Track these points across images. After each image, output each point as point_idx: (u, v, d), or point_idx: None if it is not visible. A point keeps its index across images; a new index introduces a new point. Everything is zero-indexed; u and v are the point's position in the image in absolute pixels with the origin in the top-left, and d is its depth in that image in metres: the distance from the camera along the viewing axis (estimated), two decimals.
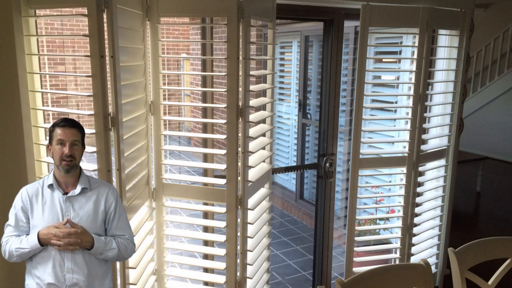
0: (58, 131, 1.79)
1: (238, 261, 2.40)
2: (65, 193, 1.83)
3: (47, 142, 1.87)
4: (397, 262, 3.05)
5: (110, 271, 1.96)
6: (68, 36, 8.93)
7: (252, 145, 2.46)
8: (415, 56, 2.82)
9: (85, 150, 1.90)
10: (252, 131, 2.43)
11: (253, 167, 2.38)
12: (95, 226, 1.85)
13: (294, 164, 5.60)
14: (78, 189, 1.83)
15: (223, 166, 2.36)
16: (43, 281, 1.80)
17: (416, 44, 2.82)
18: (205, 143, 2.80)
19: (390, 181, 3.90)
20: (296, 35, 5.35)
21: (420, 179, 3.08)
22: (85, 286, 1.83)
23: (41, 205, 1.81)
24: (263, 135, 2.62)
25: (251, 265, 2.46)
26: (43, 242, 1.76)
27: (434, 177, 3.24)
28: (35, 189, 1.84)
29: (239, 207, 2.35)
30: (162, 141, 2.45)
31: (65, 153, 1.77)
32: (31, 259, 1.83)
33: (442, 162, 3.23)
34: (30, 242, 1.76)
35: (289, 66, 5.78)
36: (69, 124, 1.80)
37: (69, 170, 1.80)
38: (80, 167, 1.88)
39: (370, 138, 3.78)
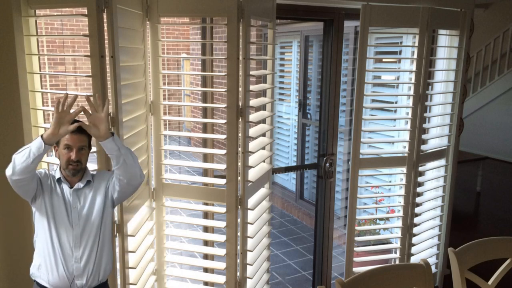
0: (66, 135, 1.79)
1: (238, 261, 2.40)
2: (71, 187, 1.87)
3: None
4: (397, 262, 3.05)
5: (111, 254, 1.99)
6: (68, 36, 8.93)
7: (252, 145, 2.46)
8: (415, 56, 2.82)
9: (90, 151, 1.92)
10: (252, 131, 2.43)
11: (253, 167, 2.38)
12: (101, 212, 1.89)
13: (294, 164, 5.60)
14: (83, 182, 1.88)
15: (223, 166, 2.36)
16: (53, 275, 1.82)
17: (416, 44, 2.82)
18: (205, 143, 2.80)
19: (390, 181, 3.90)
20: (296, 35, 5.35)
21: (420, 179, 3.08)
22: (93, 273, 1.86)
23: (51, 194, 1.84)
24: (263, 135, 2.62)
25: (251, 265, 2.46)
26: (47, 136, 1.70)
27: (434, 177, 3.24)
28: (50, 175, 1.88)
29: (239, 207, 2.35)
30: (162, 141, 2.45)
31: (71, 159, 1.80)
32: (41, 251, 1.84)
33: (442, 162, 3.23)
34: (32, 143, 1.71)
35: (289, 66, 5.78)
36: (77, 129, 1.79)
37: (75, 174, 1.85)
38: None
39: (370, 138, 3.77)
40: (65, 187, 1.86)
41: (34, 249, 1.90)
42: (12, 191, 1.87)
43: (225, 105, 2.24)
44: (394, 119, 3.44)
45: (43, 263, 1.84)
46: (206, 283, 2.76)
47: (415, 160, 2.95)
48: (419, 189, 3.08)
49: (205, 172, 2.71)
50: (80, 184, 1.87)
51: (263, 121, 2.62)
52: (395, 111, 3.64)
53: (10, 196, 1.86)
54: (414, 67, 2.84)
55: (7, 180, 1.73)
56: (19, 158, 1.70)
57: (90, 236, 1.86)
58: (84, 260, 1.84)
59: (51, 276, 1.83)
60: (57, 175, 1.87)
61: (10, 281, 2.28)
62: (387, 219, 3.49)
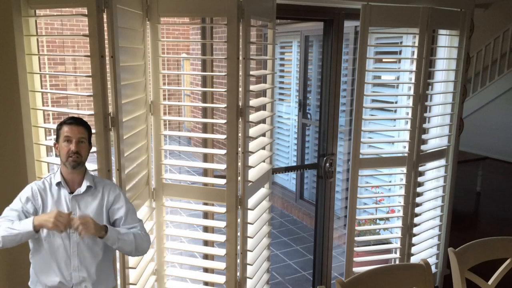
0: (65, 128, 1.81)
1: (238, 261, 2.40)
2: (71, 192, 1.84)
3: (53, 141, 1.88)
4: (397, 262, 3.05)
5: (113, 268, 1.97)
6: (68, 36, 8.93)
7: (252, 145, 2.46)
8: (415, 56, 2.82)
9: (91, 150, 1.91)
10: (252, 131, 2.43)
11: (253, 167, 2.38)
12: (101, 223, 1.85)
13: (294, 164, 5.60)
14: (83, 187, 1.85)
15: (223, 166, 2.36)
16: (50, 283, 1.81)
17: (416, 44, 2.82)
18: (205, 143, 2.80)
19: (390, 181, 3.90)
20: (296, 35, 5.35)
21: (420, 179, 3.08)
22: (92, 283, 1.85)
23: (50, 203, 1.82)
24: (263, 135, 2.62)
25: (251, 265, 2.46)
26: (38, 227, 1.69)
27: (434, 177, 3.24)
28: (43, 186, 1.85)
29: (239, 207, 2.35)
30: (162, 141, 2.45)
31: (71, 150, 1.79)
32: (36, 261, 1.83)
33: (442, 162, 3.23)
34: (23, 225, 1.70)
35: (289, 66, 5.78)
36: (76, 122, 1.82)
37: (76, 166, 1.81)
38: (85, 166, 1.89)
39: (370, 138, 3.78)
40: (64, 192, 1.84)
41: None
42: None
43: (225, 105, 2.24)
44: (394, 119, 3.44)
45: (39, 277, 1.83)
46: (206, 283, 2.76)
47: (415, 160, 2.95)
48: (419, 189, 3.08)
49: (205, 172, 2.71)
50: (80, 190, 1.84)
51: (263, 121, 2.62)
52: (395, 111, 3.64)
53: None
54: (414, 67, 2.84)
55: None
56: (7, 239, 1.69)
57: (89, 245, 1.83)
58: (83, 268, 1.82)
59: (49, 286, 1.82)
60: (57, 178, 1.84)
61: (10, 281, 2.27)
62: (387, 219, 3.49)
